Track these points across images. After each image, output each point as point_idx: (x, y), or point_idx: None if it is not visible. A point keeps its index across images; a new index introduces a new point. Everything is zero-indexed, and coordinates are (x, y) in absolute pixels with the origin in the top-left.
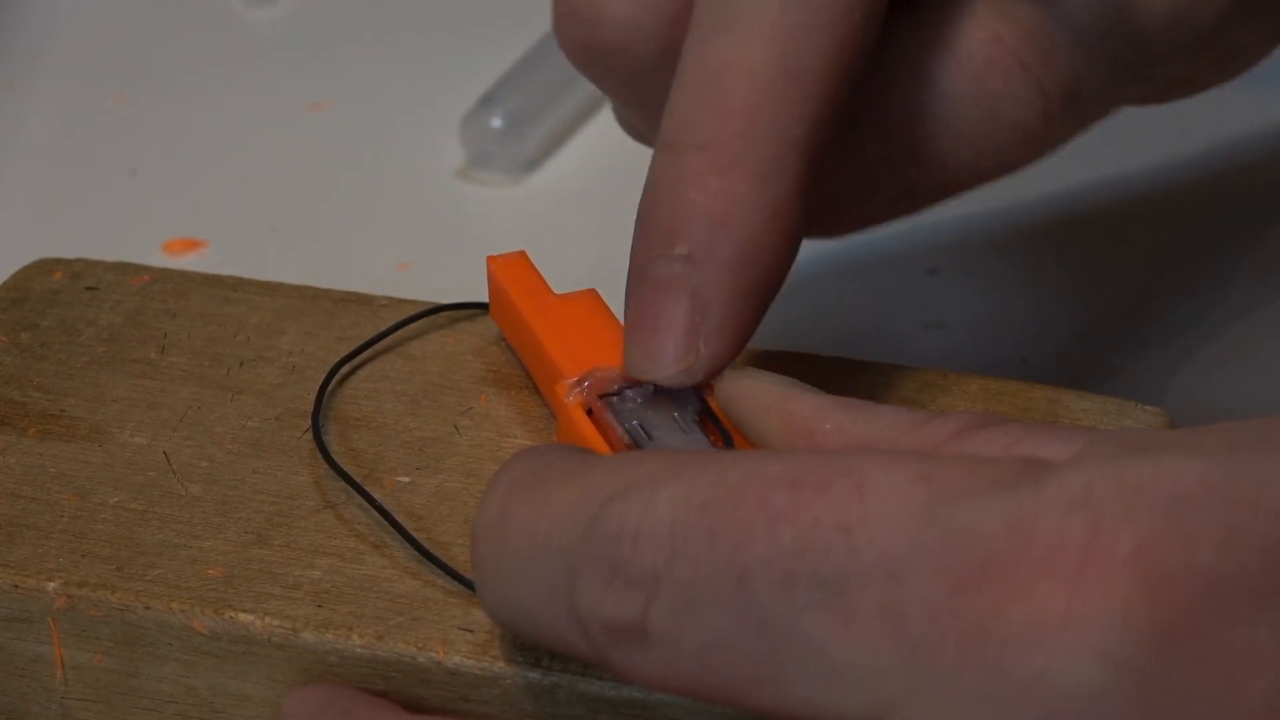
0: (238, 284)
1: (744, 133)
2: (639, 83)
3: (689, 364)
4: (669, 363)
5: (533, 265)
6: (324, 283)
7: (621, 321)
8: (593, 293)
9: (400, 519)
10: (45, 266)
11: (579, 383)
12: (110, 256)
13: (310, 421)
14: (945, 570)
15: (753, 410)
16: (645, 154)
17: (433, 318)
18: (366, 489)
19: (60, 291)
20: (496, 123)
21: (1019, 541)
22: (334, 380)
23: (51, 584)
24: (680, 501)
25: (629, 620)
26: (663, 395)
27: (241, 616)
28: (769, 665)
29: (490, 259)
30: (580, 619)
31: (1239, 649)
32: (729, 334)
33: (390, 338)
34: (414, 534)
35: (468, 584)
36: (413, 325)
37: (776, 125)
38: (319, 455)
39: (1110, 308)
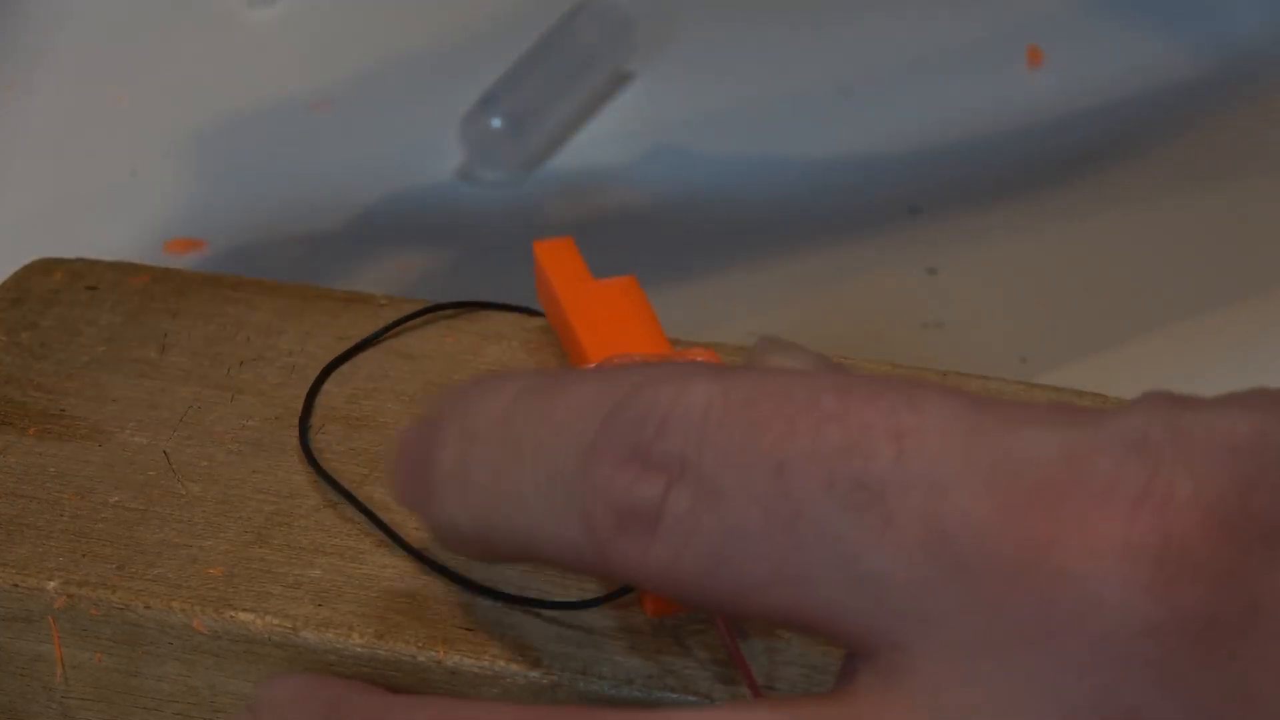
0: (238, 284)
1: None
2: None
3: None
4: None
5: (576, 251)
6: (324, 283)
7: (653, 310)
8: (631, 280)
9: (400, 518)
10: (45, 266)
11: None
12: (110, 256)
13: (309, 425)
14: (995, 490)
15: None
16: (644, 154)
17: (433, 317)
18: (363, 491)
19: (60, 291)
20: (496, 123)
21: (1075, 473)
22: (334, 381)
23: (51, 583)
24: (719, 394)
25: (643, 503)
26: None
27: (242, 616)
28: (793, 563)
29: (536, 243)
30: (586, 504)
31: None
32: None
33: (390, 338)
34: (414, 532)
35: (464, 582)
36: (412, 325)
37: None
38: (315, 458)
39: (1110, 308)
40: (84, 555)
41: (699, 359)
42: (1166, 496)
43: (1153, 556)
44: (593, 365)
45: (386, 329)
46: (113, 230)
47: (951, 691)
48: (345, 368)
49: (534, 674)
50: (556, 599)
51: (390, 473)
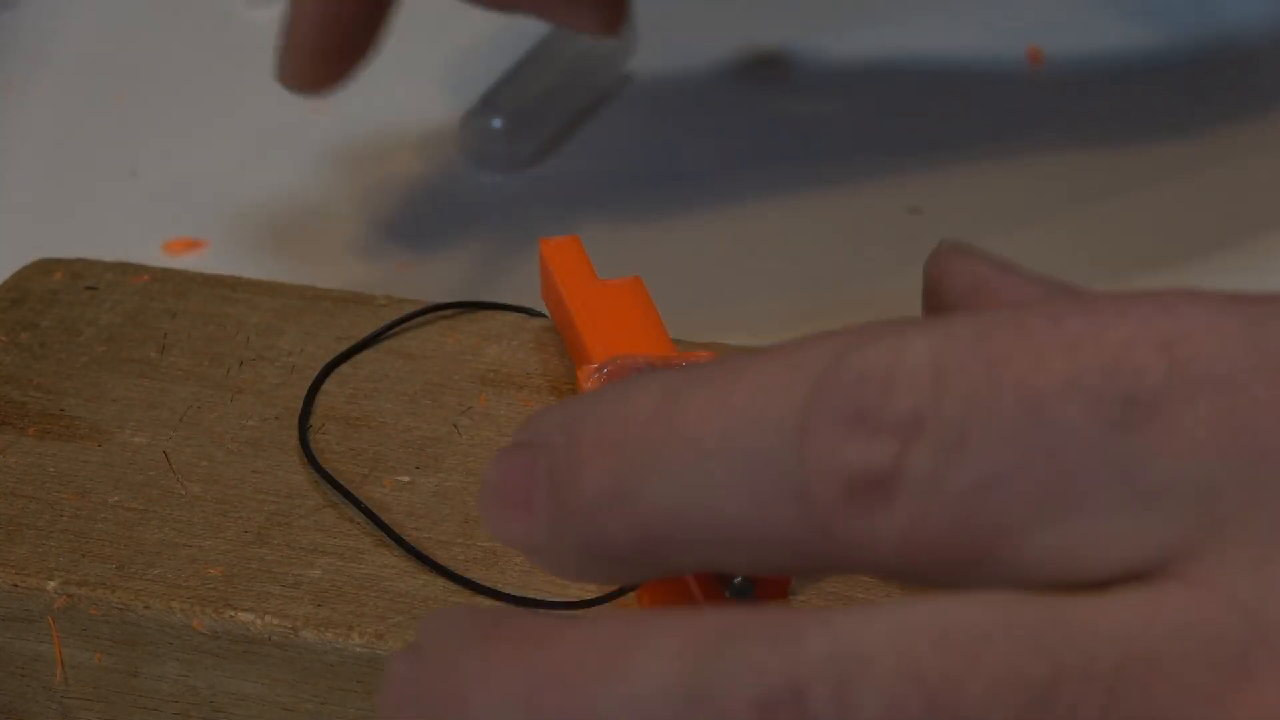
0: (238, 284)
1: None
2: None
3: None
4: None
5: (582, 250)
6: (324, 283)
7: (659, 313)
8: (636, 280)
9: (400, 518)
10: (45, 266)
11: (600, 369)
12: (110, 256)
13: (308, 425)
14: None
15: (963, 292)
16: (645, 154)
17: (433, 317)
18: (363, 491)
19: (60, 291)
20: (496, 123)
21: None
22: (334, 381)
23: (51, 583)
24: (942, 340)
25: (877, 469)
26: None
27: (241, 615)
28: (1060, 498)
29: (542, 241)
30: (804, 483)
31: None
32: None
33: (390, 337)
34: (414, 533)
35: (465, 583)
36: (412, 325)
37: None
38: (314, 457)
39: None
40: (84, 555)
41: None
42: None
43: None
44: (596, 366)
45: (386, 329)
46: (113, 230)
47: (1246, 586)
48: (345, 368)
49: None
50: (557, 599)
51: (490, 516)
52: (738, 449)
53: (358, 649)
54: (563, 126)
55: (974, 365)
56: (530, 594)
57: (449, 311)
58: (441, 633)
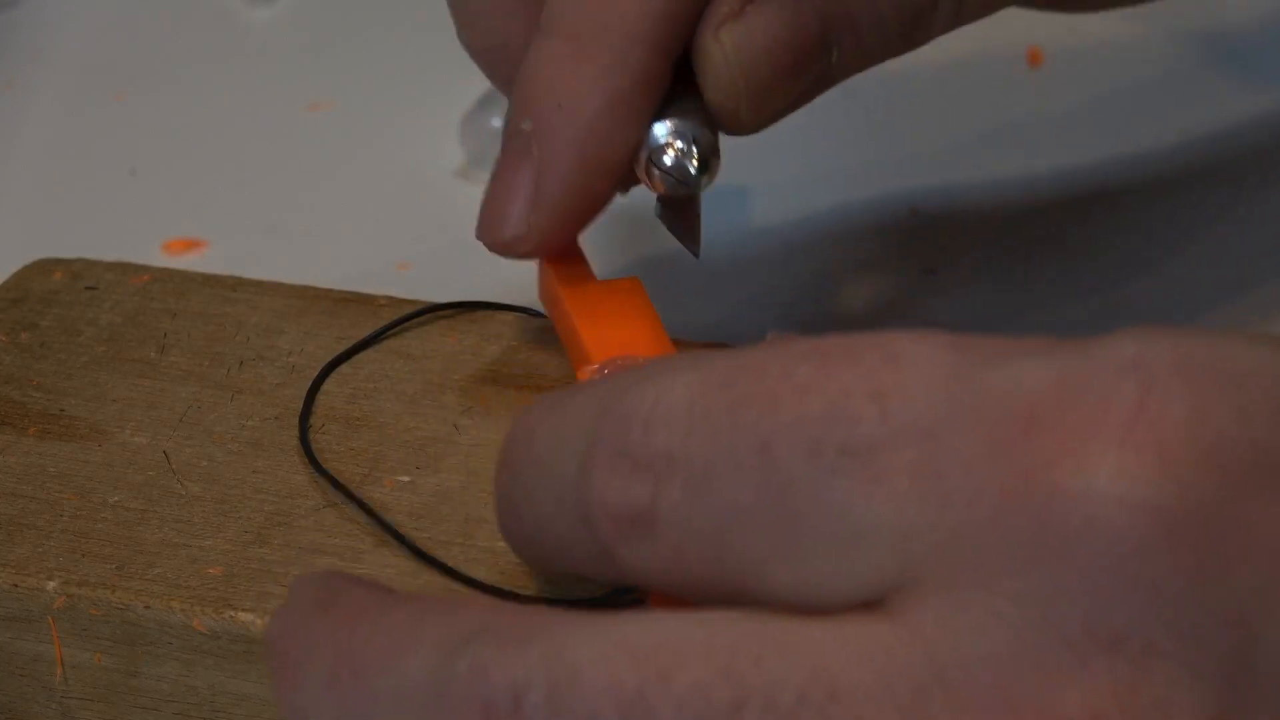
0: (237, 284)
1: (596, 26)
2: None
3: (519, 232)
4: (503, 230)
5: (581, 250)
6: (324, 283)
7: (659, 313)
8: (635, 280)
9: (400, 518)
10: (45, 266)
11: (600, 370)
12: (110, 256)
13: (308, 424)
14: (985, 425)
15: None
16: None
17: (432, 317)
18: (363, 491)
19: (60, 291)
20: (496, 123)
21: (1067, 397)
22: (334, 381)
23: (51, 583)
24: (699, 382)
25: (638, 505)
26: None
27: (241, 616)
28: (788, 538)
29: None
30: (588, 514)
31: None
32: (558, 208)
33: (390, 338)
34: (414, 533)
35: (466, 582)
36: (412, 325)
37: (625, 20)
38: (315, 457)
39: (1109, 308)
40: (84, 555)
41: None
42: (1159, 416)
43: (1144, 475)
44: (595, 366)
45: (386, 329)
46: (113, 230)
47: (933, 624)
48: (345, 368)
49: None
50: (560, 597)
51: None
52: (555, 479)
53: None
54: None
55: (719, 408)
56: (532, 592)
57: (449, 311)
58: (298, 598)
